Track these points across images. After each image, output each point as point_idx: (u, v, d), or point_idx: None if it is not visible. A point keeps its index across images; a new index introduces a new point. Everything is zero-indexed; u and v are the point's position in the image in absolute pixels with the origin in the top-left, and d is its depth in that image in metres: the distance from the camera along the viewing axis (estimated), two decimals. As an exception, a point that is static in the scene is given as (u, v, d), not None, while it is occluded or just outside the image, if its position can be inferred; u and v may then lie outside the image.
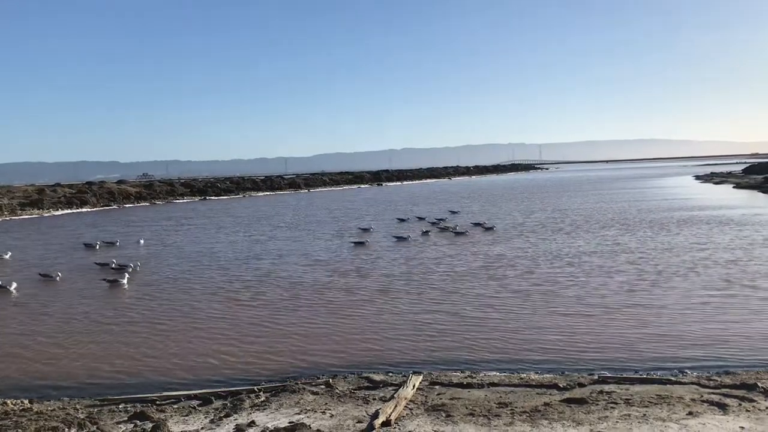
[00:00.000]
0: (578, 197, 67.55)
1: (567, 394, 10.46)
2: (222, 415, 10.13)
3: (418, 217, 46.20)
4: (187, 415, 10.29)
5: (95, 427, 9.55)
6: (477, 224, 38.97)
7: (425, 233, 36.01)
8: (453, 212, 50.46)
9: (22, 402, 11.23)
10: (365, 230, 39.23)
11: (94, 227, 50.83)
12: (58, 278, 24.91)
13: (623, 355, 12.92)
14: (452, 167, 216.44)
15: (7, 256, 32.15)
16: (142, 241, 36.96)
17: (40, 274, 25.61)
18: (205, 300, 20.34)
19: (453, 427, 9.09)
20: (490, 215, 47.33)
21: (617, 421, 9.02)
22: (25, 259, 32.29)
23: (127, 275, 24.39)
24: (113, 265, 26.94)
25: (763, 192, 62.12)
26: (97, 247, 35.12)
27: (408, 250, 30.18)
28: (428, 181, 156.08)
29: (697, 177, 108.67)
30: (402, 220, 45.26)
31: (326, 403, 10.48)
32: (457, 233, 35.28)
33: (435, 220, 42.95)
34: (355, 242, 33.24)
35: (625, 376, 11.47)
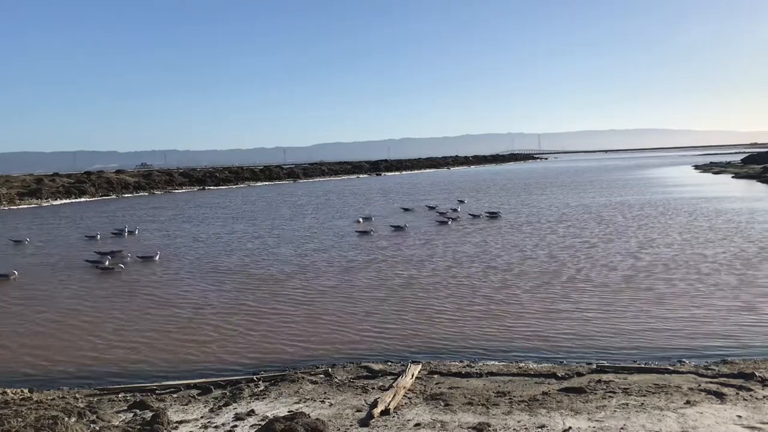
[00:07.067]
0: (575, 189, 67.46)
1: (565, 384, 10.50)
2: (221, 404, 10.16)
3: (428, 206, 46.17)
4: (186, 404, 10.32)
5: (95, 416, 9.58)
6: (489, 213, 39.21)
7: (443, 222, 36.31)
8: (461, 201, 50.74)
9: (21, 391, 11.25)
10: (365, 219, 39.15)
11: (93, 218, 50.72)
12: (108, 263, 25.38)
13: (621, 345, 12.96)
14: (451, 157, 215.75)
15: (26, 242, 34.58)
16: (136, 231, 37.39)
17: (87, 261, 26.05)
18: (203, 290, 20.35)
19: (452, 416, 9.11)
20: (493, 204, 47.30)
21: (615, 410, 9.05)
22: (28, 248, 32.38)
23: (122, 265, 25.08)
24: (110, 256, 27.08)
25: (762, 182, 62.10)
26: (98, 238, 35.12)
27: (408, 239, 30.18)
28: (427, 171, 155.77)
29: (696, 167, 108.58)
30: (407, 210, 45.24)
31: (325, 392, 10.51)
32: (477, 217, 35.23)
33: (448, 210, 42.62)
34: (358, 231, 33.22)
35: (623, 365, 11.51)
